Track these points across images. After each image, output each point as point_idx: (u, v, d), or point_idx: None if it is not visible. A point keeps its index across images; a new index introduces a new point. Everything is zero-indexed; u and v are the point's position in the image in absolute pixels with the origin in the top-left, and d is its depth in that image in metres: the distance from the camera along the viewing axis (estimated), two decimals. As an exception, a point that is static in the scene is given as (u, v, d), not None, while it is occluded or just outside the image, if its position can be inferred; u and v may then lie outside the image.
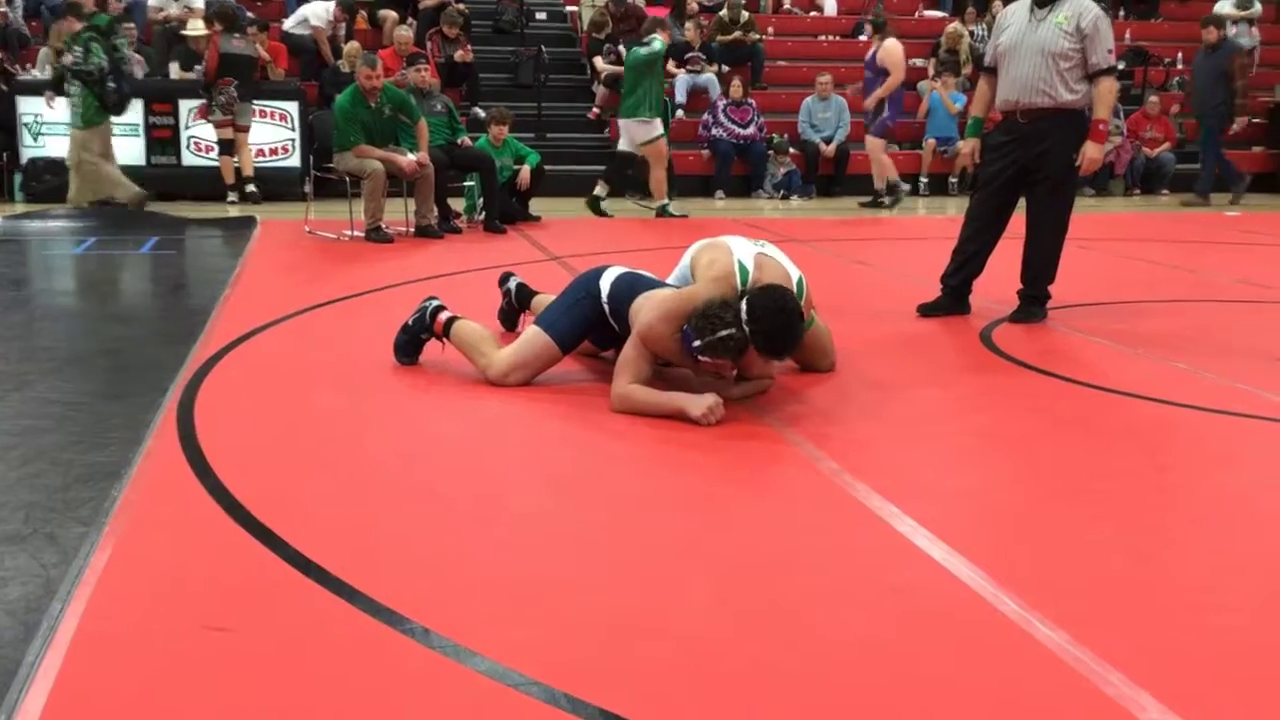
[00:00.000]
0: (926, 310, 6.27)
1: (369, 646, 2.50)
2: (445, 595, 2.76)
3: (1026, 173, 5.96)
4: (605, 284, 4.59)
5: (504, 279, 5.68)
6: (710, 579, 2.91)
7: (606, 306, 4.55)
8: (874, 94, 11.69)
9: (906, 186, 12.73)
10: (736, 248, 4.57)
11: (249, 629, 2.56)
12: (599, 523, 3.28)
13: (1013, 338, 5.76)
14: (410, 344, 4.88)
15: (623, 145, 11.39)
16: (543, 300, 5.36)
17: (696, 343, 4.14)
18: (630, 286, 4.54)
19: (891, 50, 11.56)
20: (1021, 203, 6.22)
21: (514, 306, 5.54)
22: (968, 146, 6.38)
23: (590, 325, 4.62)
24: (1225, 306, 6.81)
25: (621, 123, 11.30)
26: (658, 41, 10.90)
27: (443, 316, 4.78)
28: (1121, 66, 16.10)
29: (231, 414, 4.27)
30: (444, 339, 4.79)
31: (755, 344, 4.15)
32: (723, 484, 3.68)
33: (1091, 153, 5.84)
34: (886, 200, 12.15)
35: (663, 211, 11.28)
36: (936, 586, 2.86)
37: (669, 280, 4.88)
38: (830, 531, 3.26)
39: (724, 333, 4.10)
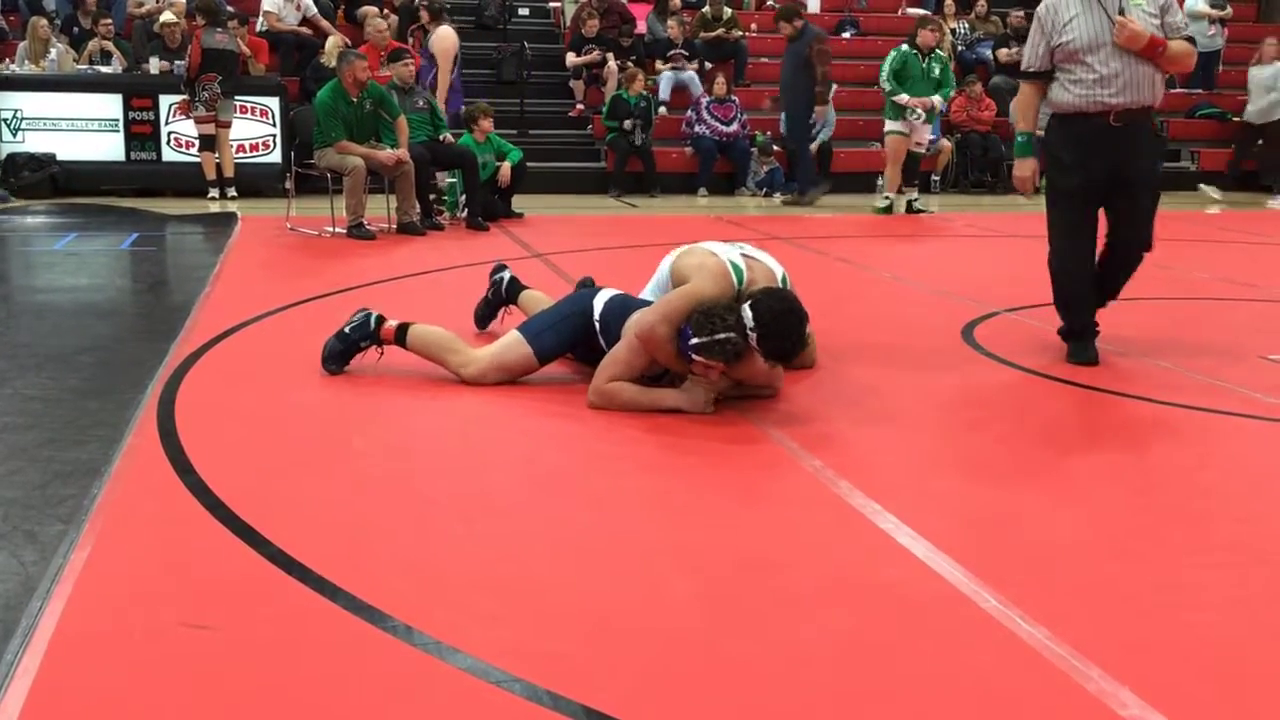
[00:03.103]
0: (1083, 360, 5.24)
1: (351, 645, 2.49)
2: (428, 593, 2.76)
3: (1116, 183, 5.14)
4: (599, 304, 4.58)
5: (497, 269, 5.62)
6: (693, 576, 2.91)
7: (597, 324, 4.53)
8: (440, 86, 10.98)
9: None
10: (720, 249, 4.55)
11: (230, 627, 2.55)
12: (582, 521, 3.28)
13: (994, 336, 5.78)
14: (346, 352, 4.72)
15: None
16: (531, 296, 5.33)
17: (693, 340, 4.09)
18: (624, 306, 4.52)
19: (443, 37, 10.86)
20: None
21: (498, 299, 5.51)
22: (1027, 169, 5.41)
23: (574, 343, 4.60)
24: (1206, 304, 6.84)
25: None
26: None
27: (391, 324, 4.69)
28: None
29: (213, 411, 4.25)
30: (383, 347, 4.70)
31: (762, 349, 4.10)
32: (706, 481, 3.68)
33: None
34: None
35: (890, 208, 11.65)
36: (918, 584, 2.87)
37: (646, 289, 4.85)
38: (813, 529, 3.27)
39: (722, 335, 4.06)
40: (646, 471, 3.80)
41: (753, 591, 2.82)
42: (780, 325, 4.07)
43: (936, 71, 11.44)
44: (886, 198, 11.78)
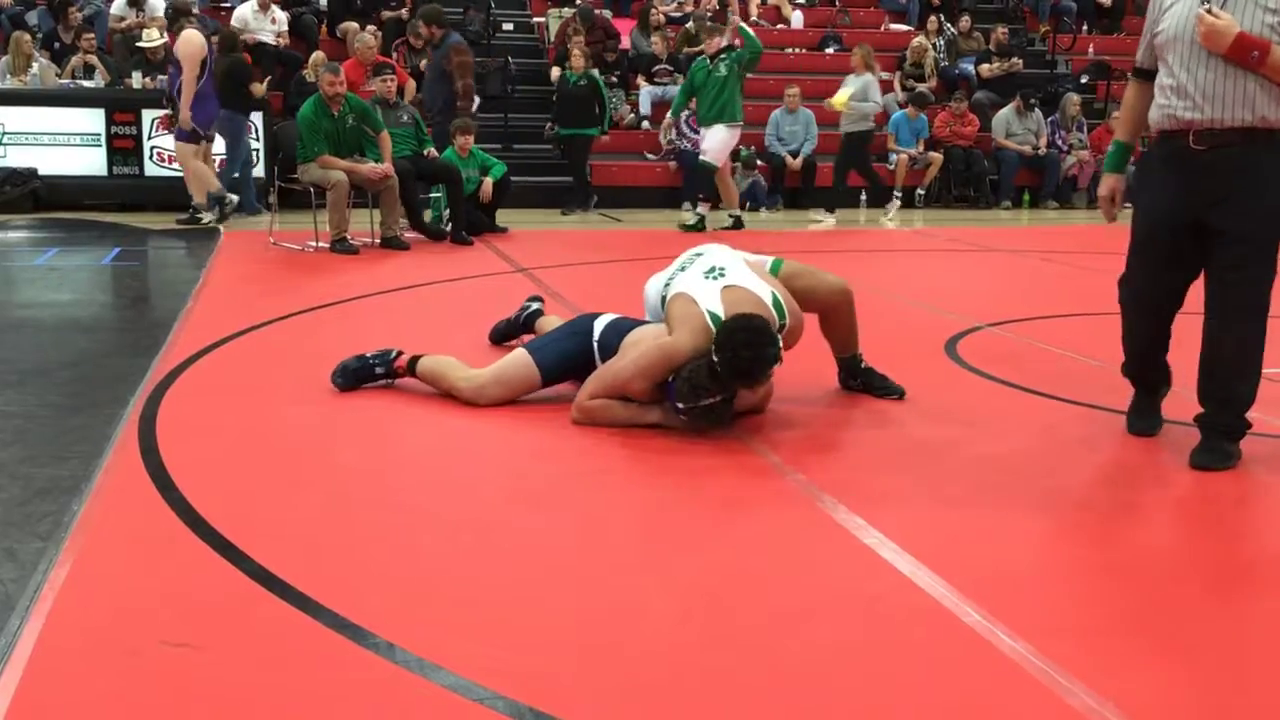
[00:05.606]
0: (1142, 429, 4.41)
1: (333, 661, 2.48)
2: (410, 609, 2.74)
3: (1202, 229, 3.97)
4: (599, 326, 4.60)
5: (532, 298, 5.74)
6: (677, 591, 2.90)
7: (596, 345, 4.55)
8: (185, 93, 10.02)
9: (234, 198, 10.60)
10: (702, 297, 4.33)
11: (211, 645, 2.53)
12: (566, 537, 3.28)
13: (977, 350, 5.79)
14: (360, 373, 4.74)
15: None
16: (547, 322, 5.40)
17: (681, 406, 4.13)
18: (621, 329, 4.53)
19: (188, 41, 10.05)
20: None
21: (515, 325, 5.58)
22: (1106, 187, 4.29)
23: (575, 362, 4.59)
24: (1189, 319, 6.85)
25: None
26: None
27: (404, 359, 4.75)
28: (1085, 80, 16.33)
29: (194, 427, 4.23)
30: (396, 378, 4.75)
31: (729, 379, 4.09)
32: (690, 496, 3.68)
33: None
34: (207, 216, 10.42)
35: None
36: (903, 598, 2.87)
37: (646, 317, 4.80)
38: (798, 543, 3.27)
39: (707, 402, 4.09)
40: (631, 486, 3.80)
41: (737, 606, 2.81)
42: (738, 362, 4.03)
43: (722, 70, 11.13)
44: (687, 208, 11.65)
